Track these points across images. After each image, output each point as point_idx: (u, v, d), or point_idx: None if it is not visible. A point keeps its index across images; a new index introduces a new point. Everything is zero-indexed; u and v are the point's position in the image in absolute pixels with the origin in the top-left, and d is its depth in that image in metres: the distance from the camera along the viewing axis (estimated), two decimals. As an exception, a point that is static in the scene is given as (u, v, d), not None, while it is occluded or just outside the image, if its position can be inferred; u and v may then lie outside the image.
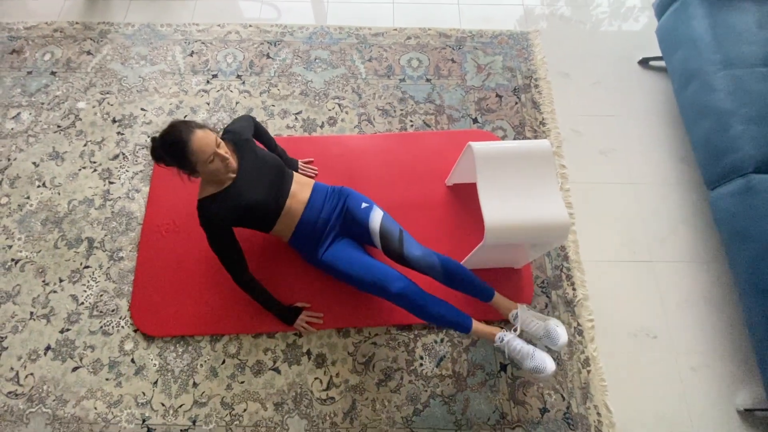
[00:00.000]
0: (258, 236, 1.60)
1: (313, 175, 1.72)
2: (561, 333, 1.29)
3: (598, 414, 1.41)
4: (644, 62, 2.04)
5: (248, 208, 1.29)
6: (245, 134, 1.37)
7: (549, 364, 1.25)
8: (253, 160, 1.33)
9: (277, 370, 1.46)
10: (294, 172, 1.45)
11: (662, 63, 2.00)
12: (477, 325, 1.32)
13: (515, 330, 1.33)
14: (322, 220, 1.39)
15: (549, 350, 1.39)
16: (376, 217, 1.36)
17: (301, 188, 1.41)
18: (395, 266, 1.37)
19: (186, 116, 1.88)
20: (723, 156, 1.47)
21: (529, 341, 1.33)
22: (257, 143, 1.43)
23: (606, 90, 1.99)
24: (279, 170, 1.38)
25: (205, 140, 1.17)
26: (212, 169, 1.20)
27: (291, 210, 1.37)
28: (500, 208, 1.25)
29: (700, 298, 1.59)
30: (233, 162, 1.25)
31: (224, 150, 1.21)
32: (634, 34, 2.15)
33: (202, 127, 1.20)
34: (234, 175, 1.28)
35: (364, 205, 1.40)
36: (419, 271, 1.32)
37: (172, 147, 1.18)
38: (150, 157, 1.77)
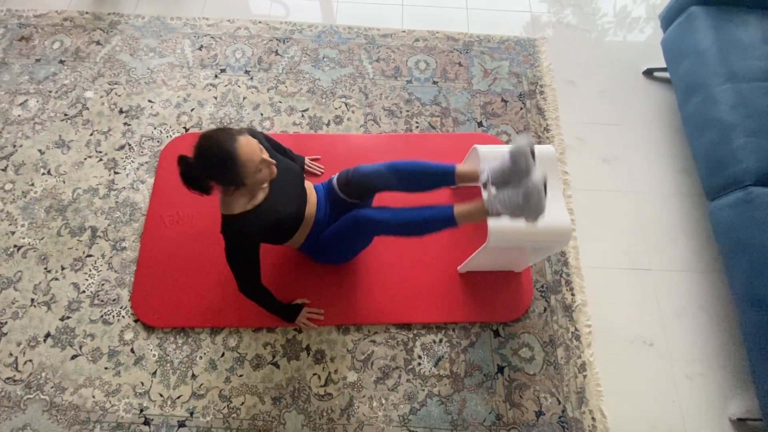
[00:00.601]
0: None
1: (319, 172, 1.73)
2: (517, 139, 1.14)
3: (593, 419, 1.43)
4: (649, 73, 2.06)
5: (284, 222, 1.20)
6: (261, 137, 1.27)
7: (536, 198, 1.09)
8: (280, 167, 1.20)
9: (276, 365, 1.46)
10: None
11: (666, 74, 2.02)
12: (459, 209, 1.20)
13: (489, 177, 1.19)
14: (327, 219, 1.40)
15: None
16: (336, 175, 1.38)
17: (310, 191, 1.38)
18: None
19: (193, 110, 1.89)
20: (724, 168, 1.49)
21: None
22: None
23: (610, 99, 2.01)
24: (300, 176, 1.32)
25: (252, 146, 1.03)
26: (259, 179, 1.07)
27: (308, 216, 1.34)
28: (504, 211, 1.26)
29: (697, 308, 1.60)
30: (274, 165, 1.11)
31: (266, 153, 1.08)
32: (639, 45, 2.17)
33: (240, 131, 1.05)
34: (267, 186, 1.17)
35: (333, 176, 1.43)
36: (374, 186, 1.30)
37: (218, 163, 1.00)
38: (156, 149, 1.80)
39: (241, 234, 1.13)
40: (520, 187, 1.11)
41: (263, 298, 1.34)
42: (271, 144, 1.41)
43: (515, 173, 1.13)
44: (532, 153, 1.12)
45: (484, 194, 1.19)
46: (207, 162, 1.02)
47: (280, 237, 1.31)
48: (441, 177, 1.27)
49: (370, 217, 1.23)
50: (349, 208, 1.37)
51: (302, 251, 1.48)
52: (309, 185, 1.41)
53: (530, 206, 1.09)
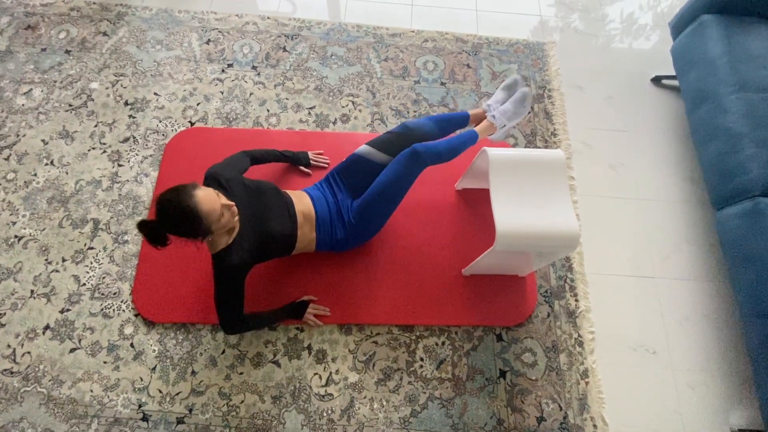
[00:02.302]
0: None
1: (325, 165, 1.73)
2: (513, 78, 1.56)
3: (594, 426, 1.42)
4: (657, 80, 2.06)
5: (268, 240, 1.26)
6: (225, 172, 1.28)
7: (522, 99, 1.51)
8: (246, 193, 1.27)
9: (276, 363, 1.45)
10: (286, 191, 1.41)
11: (675, 82, 2.02)
12: (477, 128, 1.54)
13: (493, 104, 1.56)
14: (336, 208, 1.42)
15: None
16: (364, 145, 1.48)
17: (299, 198, 1.41)
18: None
19: (199, 104, 1.88)
20: (732, 177, 1.49)
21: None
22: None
23: (618, 105, 2.00)
24: (275, 191, 1.35)
25: (210, 196, 1.07)
26: (223, 223, 1.11)
27: (305, 215, 1.37)
28: (512, 214, 1.26)
29: (701, 317, 1.60)
30: (234, 206, 1.14)
31: (223, 198, 1.12)
32: (647, 52, 2.17)
33: (194, 185, 1.09)
34: (237, 217, 1.19)
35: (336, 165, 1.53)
36: (424, 137, 1.48)
37: (182, 221, 1.04)
38: (161, 142, 1.78)
39: (231, 267, 1.17)
40: (514, 99, 1.52)
41: (256, 322, 1.38)
42: (265, 158, 1.54)
43: (509, 90, 1.57)
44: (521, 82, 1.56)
45: (489, 118, 1.55)
46: (171, 223, 1.06)
47: (278, 251, 1.35)
48: (461, 120, 1.57)
49: (427, 147, 1.36)
50: (376, 171, 1.45)
51: (324, 250, 1.48)
52: (295, 193, 1.43)
53: (525, 106, 1.52)
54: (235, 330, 1.32)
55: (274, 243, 1.29)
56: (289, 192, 1.42)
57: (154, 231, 1.07)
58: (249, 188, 1.30)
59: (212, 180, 1.26)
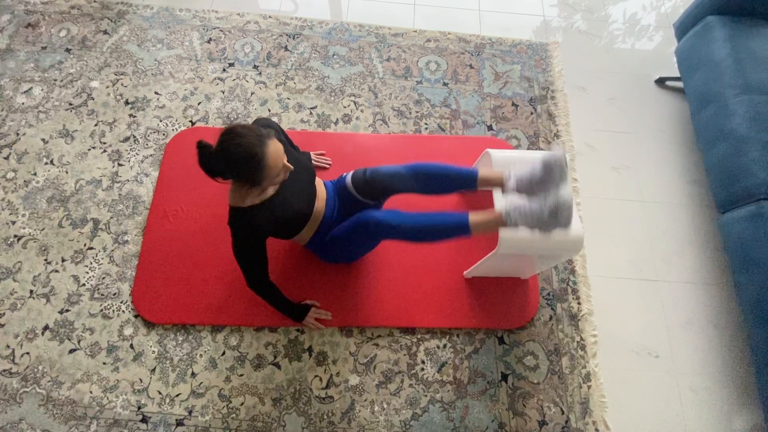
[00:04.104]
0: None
1: (327, 166, 1.71)
2: (554, 150, 1.09)
3: (597, 430, 1.41)
4: (661, 82, 2.05)
5: (291, 219, 1.20)
6: (280, 134, 1.26)
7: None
8: (292, 163, 1.18)
9: (277, 365, 1.44)
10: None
11: (679, 83, 2.00)
12: (475, 217, 1.16)
13: (514, 183, 1.14)
14: (336, 216, 1.39)
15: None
16: (348, 174, 1.35)
17: (320, 188, 1.37)
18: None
19: (200, 103, 1.87)
20: (737, 180, 1.47)
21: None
22: None
23: (621, 107, 1.99)
24: (311, 172, 1.30)
25: (279, 152, 1.02)
26: (275, 181, 1.07)
27: (317, 212, 1.33)
28: (515, 217, 1.24)
29: (704, 321, 1.59)
30: (290, 169, 1.10)
31: (285, 158, 1.08)
32: (650, 53, 2.15)
33: (269, 135, 1.02)
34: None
35: (344, 173, 1.40)
36: (393, 188, 1.26)
37: (243, 164, 0.98)
38: (162, 142, 1.77)
39: (249, 227, 1.11)
40: (546, 199, 1.06)
41: (271, 294, 1.33)
42: (287, 139, 1.41)
43: (544, 183, 1.09)
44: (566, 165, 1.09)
45: (498, 202, 1.15)
46: (230, 159, 0.99)
47: (287, 232, 1.30)
48: (462, 180, 1.23)
49: (380, 220, 1.20)
50: (361, 207, 1.35)
51: (310, 249, 1.46)
52: (319, 182, 1.39)
53: (557, 221, 1.05)
54: (253, 289, 1.28)
55: (293, 220, 1.22)
56: (317, 178, 1.37)
57: (208, 158, 1.01)
58: (293, 158, 1.20)
59: (281, 134, 1.22)
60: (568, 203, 1.04)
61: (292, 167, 1.09)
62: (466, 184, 1.23)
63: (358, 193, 1.33)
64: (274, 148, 1.01)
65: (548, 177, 1.08)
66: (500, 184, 1.21)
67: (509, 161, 1.32)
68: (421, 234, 1.19)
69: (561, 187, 1.07)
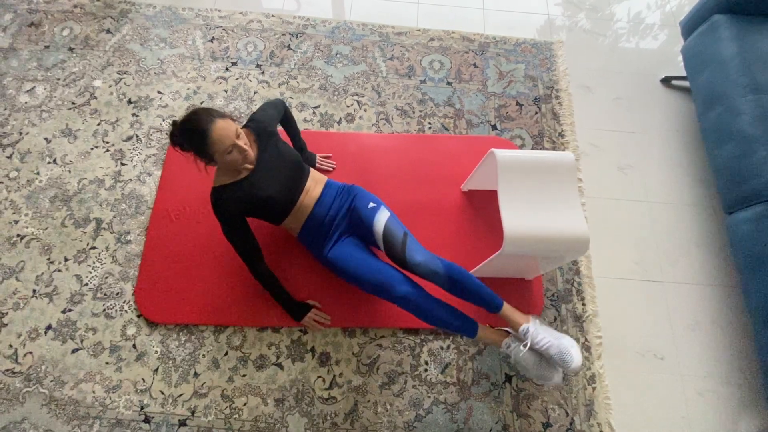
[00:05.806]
0: (269, 231, 1.58)
1: (330, 169, 1.70)
2: (575, 355, 1.19)
3: (601, 432, 1.40)
4: (666, 81, 2.03)
5: (260, 202, 1.28)
6: (271, 126, 1.35)
7: (556, 376, 1.24)
8: (273, 153, 1.32)
9: (280, 366, 1.44)
10: (311, 168, 1.44)
11: (685, 83, 1.99)
12: (483, 331, 1.29)
13: (525, 345, 1.26)
14: (330, 217, 1.38)
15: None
16: (381, 219, 1.30)
17: (314, 185, 1.41)
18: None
19: (203, 102, 1.86)
20: (744, 181, 1.46)
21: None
22: (283, 134, 1.41)
23: (627, 106, 1.97)
24: (297, 166, 1.37)
25: (226, 131, 1.15)
26: (229, 159, 1.19)
27: (302, 205, 1.37)
28: (520, 217, 1.23)
29: (710, 322, 1.57)
30: (252, 154, 1.23)
31: (243, 141, 1.20)
32: (655, 52, 2.13)
33: (223, 116, 1.18)
34: (251, 167, 1.28)
35: (371, 205, 1.35)
36: (422, 277, 1.26)
37: (191, 134, 1.17)
38: (164, 141, 1.77)
39: (219, 203, 1.25)
40: (550, 371, 1.25)
41: (270, 284, 1.38)
42: (290, 128, 1.53)
43: (553, 365, 1.25)
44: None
45: (509, 340, 1.30)
46: (184, 130, 1.18)
47: (264, 214, 1.35)
48: (487, 304, 1.30)
49: (406, 296, 1.22)
50: (370, 235, 1.32)
51: (302, 243, 1.46)
52: (319, 179, 1.43)
53: (534, 377, 1.27)
54: (256, 278, 1.38)
55: (266, 204, 1.30)
56: (313, 172, 1.44)
57: (174, 132, 1.21)
58: (278, 150, 1.34)
59: (255, 124, 1.33)
60: (554, 382, 1.26)
61: (246, 149, 1.19)
62: (489, 307, 1.30)
63: (385, 248, 1.28)
64: (221, 126, 1.15)
65: (558, 365, 1.23)
66: (515, 330, 1.30)
67: (514, 161, 1.30)
68: (430, 322, 1.26)
69: (554, 370, 1.26)
